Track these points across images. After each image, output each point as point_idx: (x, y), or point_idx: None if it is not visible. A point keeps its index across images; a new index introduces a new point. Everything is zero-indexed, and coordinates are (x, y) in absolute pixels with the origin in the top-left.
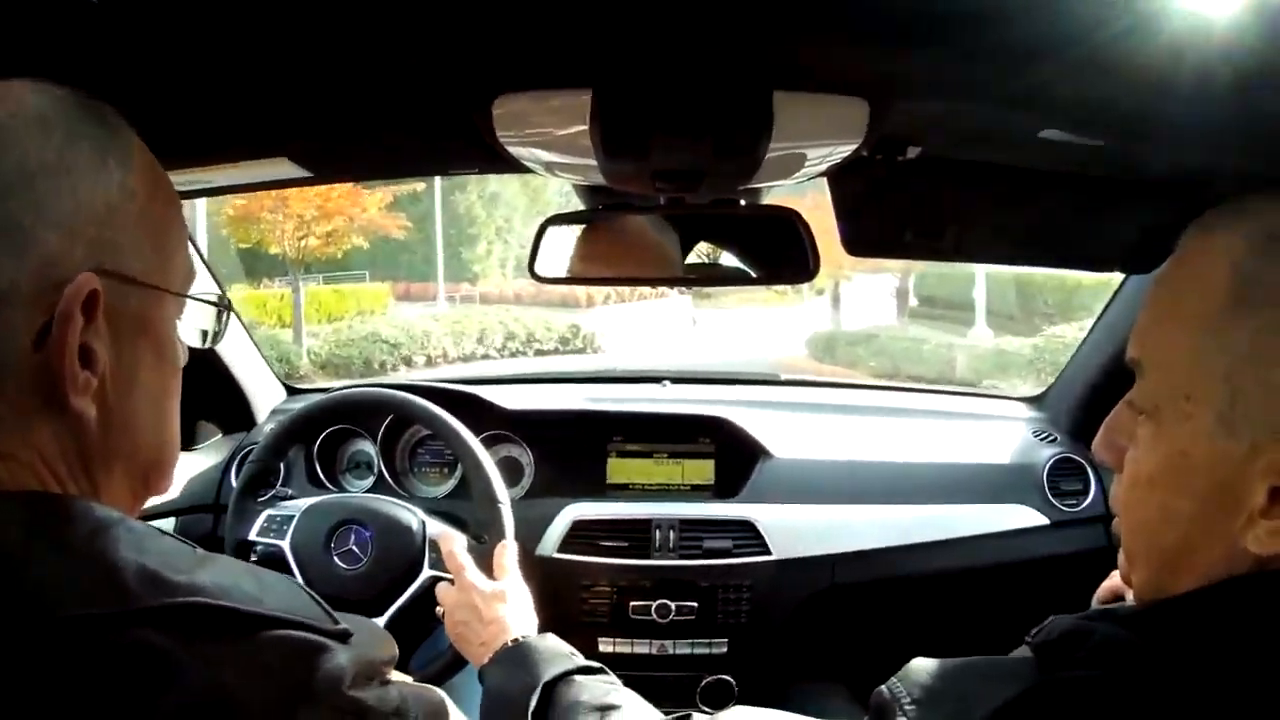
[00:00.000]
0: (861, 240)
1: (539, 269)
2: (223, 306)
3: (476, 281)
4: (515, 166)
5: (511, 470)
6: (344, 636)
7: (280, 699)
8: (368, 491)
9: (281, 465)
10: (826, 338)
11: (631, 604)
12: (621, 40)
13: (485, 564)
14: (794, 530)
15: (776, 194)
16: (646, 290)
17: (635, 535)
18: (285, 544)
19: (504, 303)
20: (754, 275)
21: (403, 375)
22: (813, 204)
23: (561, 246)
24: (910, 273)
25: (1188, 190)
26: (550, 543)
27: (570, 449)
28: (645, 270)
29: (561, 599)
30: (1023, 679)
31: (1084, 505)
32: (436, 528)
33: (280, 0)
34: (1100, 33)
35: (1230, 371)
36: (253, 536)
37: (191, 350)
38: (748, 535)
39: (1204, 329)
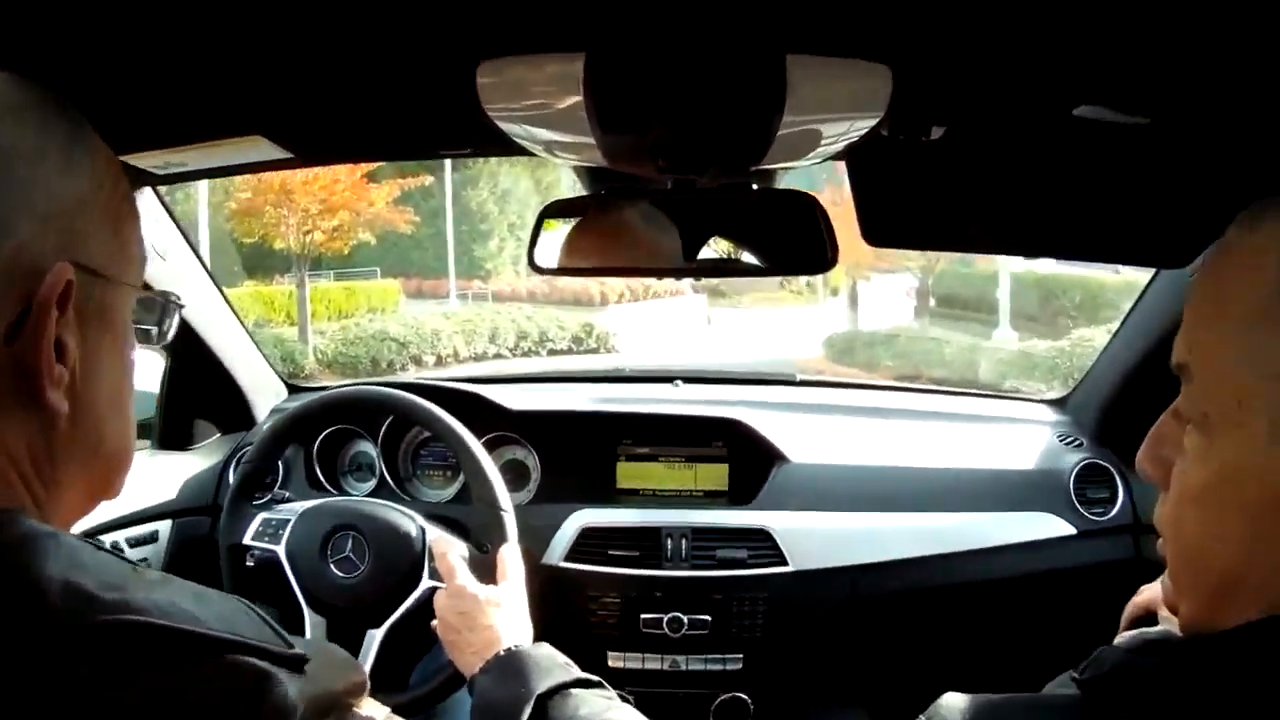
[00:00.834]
0: (882, 229)
1: (538, 259)
2: (174, 304)
3: (489, 279)
4: (509, 146)
5: (517, 473)
6: (297, 663)
7: None
8: (369, 494)
9: (280, 465)
10: (844, 338)
11: (642, 616)
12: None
13: (487, 573)
14: (812, 539)
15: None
16: (661, 288)
17: (646, 544)
18: (280, 549)
19: (517, 300)
20: (765, 266)
21: (412, 374)
22: (830, 200)
23: (562, 236)
24: (930, 272)
25: (1236, 178)
26: (557, 551)
27: (578, 452)
28: (649, 260)
29: (568, 610)
30: None
31: (1112, 514)
32: (436, 534)
33: None
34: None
35: None
36: (247, 540)
37: (188, 347)
38: (763, 544)
39: (1255, 328)
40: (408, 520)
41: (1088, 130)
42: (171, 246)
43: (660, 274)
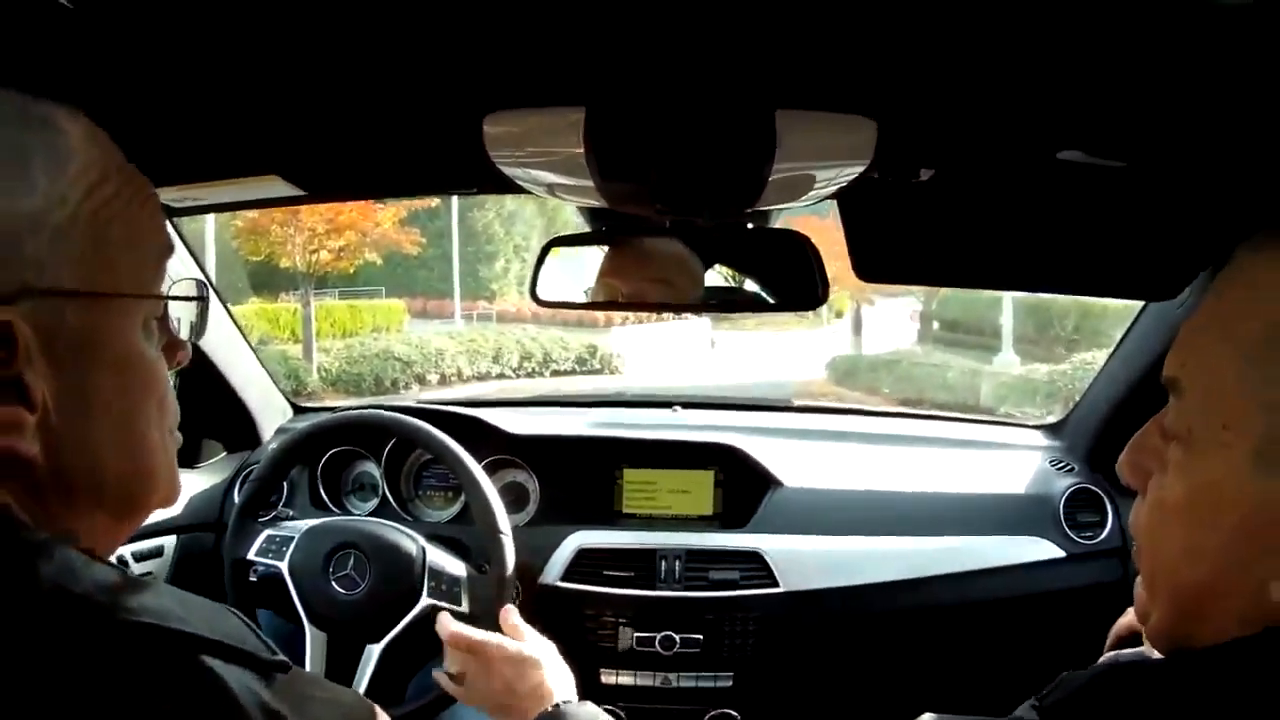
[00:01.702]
0: (873, 265)
1: (541, 292)
2: (198, 299)
3: (494, 300)
4: (514, 187)
5: (516, 495)
6: (275, 668)
7: None
8: (371, 514)
9: (285, 484)
10: (847, 362)
11: (635, 635)
12: (615, 57)
13: (486, 594)
14: (803, 562)
15: (797, 211)
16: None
17: (640, 565)
18: (284, 565)
19: (521, 321)
20: (758, 302)
21: (415, 394)
22: (836, 223)
23: (564, 269)
24: (934, 296)
25: (1217, 217)
26: (554, 571)
27: (576, 475)
28: (647, 296)
29: (563, 628)
30: None
31: (1101, 537)
32: (437, 555)
33: (265, 16)
34: (1120, 46)
35: (1274, 404)
36: (251, 556)
37: (195, 367)
38: (755, 567)
39: (1250, 355)
40: (408, 540)
41: (1072, 172)
42: (183, 271)
43: (659, 309)
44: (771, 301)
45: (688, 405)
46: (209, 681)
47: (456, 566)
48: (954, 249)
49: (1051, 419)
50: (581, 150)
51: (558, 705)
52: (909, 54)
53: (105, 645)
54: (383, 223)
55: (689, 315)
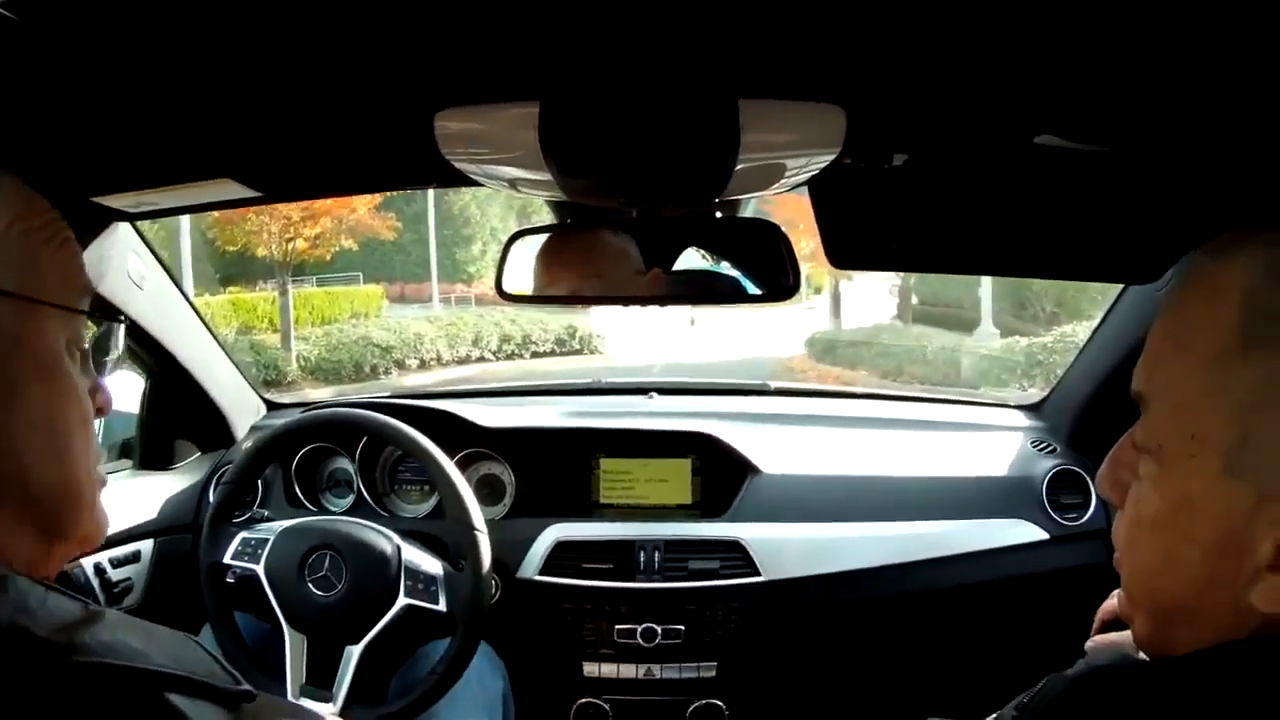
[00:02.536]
0: (845, 252)
1: (507, 285)
2: (114, 321)
3: (471, 283)
4: (473, 182)
5: (492, 488)
6: (240, 699)
7: None
8: (347, 510)
9: (259, 484)
10: (826, 338)
11: (616, 627)
12: (567, 49)
13: (463, 592)
14: (784, 550)
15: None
16: None
17: (619, 557)
18: (260, 568)
19: (499, 304)
20: (729, 293)
21: (395, 379)
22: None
23: (530, 262)
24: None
25: (1197, 199)
26: (532, 565)
27: (552, 467)
28: (614, 288)
29: (543, 622)
30: None
31: (1085, 519)
32: (413, 554)
33: (208, 19)
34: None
35: (1240, 412)
36: (227, 559)
37: (167, 369)
38: (735, 556)
39: (1213, 365)
40: (384, 540)
41: (1049, 156)
42: (149, 275)
43: (626, 302)
44: (743, 293)
45: (663, 392)
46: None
47: (433, 565)
48: (929, 235)
49: (1032, 398)
50: (537, 147)
51: None
52: (877, 39)
53: (67, 690)
54: (358, 209)
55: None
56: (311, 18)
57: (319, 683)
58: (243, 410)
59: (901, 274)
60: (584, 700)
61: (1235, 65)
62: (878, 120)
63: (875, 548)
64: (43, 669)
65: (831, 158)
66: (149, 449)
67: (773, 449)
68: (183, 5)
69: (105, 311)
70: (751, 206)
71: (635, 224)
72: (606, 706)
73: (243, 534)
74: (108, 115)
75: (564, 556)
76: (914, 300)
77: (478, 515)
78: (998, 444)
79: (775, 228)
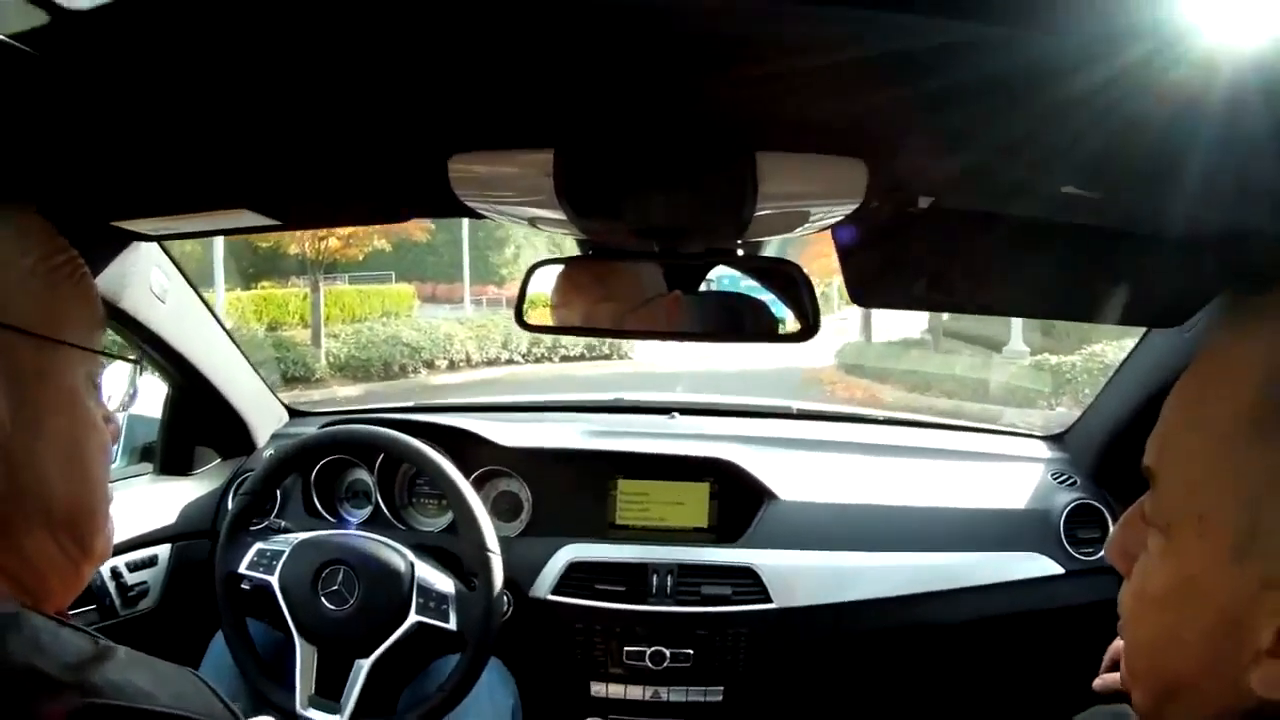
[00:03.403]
0: (868, 290)
1: (527, 316)
2: (131, 361)
3: (503, 285)
4: (492, 217)
5: (510, 506)
6: None
7: None
8: (365, 522)
9: (278, 493)
10: (856, 350)
11: (626, 649)
12: (584, 99)
13: (475, 612)
14: (797, 578)
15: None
16: None
17: (632, 579)
18: (274, 580)
19: None
20: (747, 332)
21: (423, 378)
22: None
23: (550, 291)
24: None
25: (1220, 247)
26: (545, 584)
27: (570, 487)
28: (634, 323)
29: (553, 641)
30: None
31: (1101, 554)
32: (426, 571)
33: (224, 50)
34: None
35: (1251, 498)
36: (242, 569)
37: (189, 378)
38: (748, 582)
39: (1225, 447)
40: (397, 557)
41: (1076, 202)
42: (171, 289)
43: (645, 337)
44: (761, 334)
45: (685, 412)
46: None
47: (445, 583)
48: (952, 276)
49: (1055, 427)
50: (553, 192)
51: None
52: (899, 98)
53: None
54: None
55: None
56: (328, 58)
57: (328, 694)
58: (264, 417)
59: None
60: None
61: (1255, 128)
62: (900, 174)
63: (888, 578)
64: (55, 710)
65: (853, 208)
66: (169, 454)
67: (791, 475)
68: (202, 38)
69: (121, 345)
70: (776, 242)
71: (658, 258)
72: None
73: (259, 545)
74: (128, 144)
75: (577, 577)
76: (944, 316)
77: (491, 536)
78: (1018, 475)
79: (797, 269)
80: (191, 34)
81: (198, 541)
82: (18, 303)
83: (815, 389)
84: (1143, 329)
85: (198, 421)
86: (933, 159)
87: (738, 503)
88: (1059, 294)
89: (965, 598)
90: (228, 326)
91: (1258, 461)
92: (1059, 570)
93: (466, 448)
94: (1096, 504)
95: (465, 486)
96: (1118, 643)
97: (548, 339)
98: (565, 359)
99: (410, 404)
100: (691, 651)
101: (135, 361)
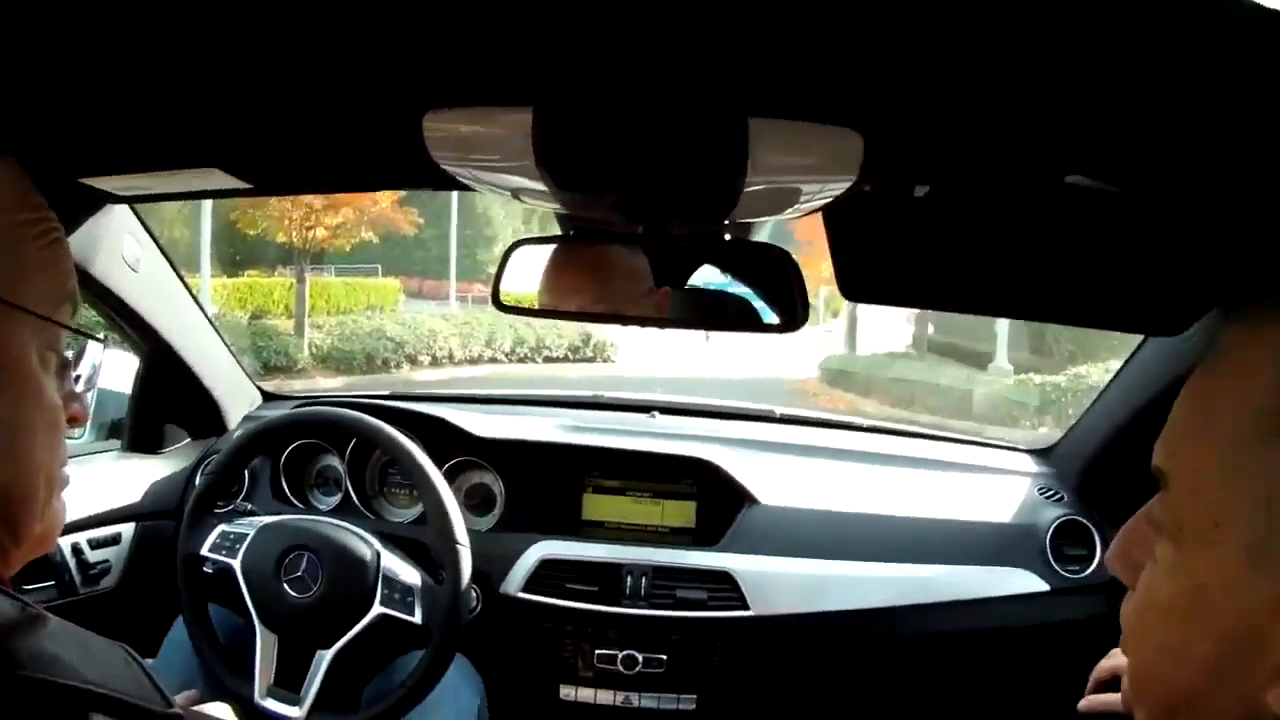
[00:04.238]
0: (860, 284)
1: (504, 298)
2: (96, 339)
3: (490, 283)
4: (471, 186)
5: (482, 499)
6: None
7: None
8: (333, 510)
9: (247, 476)
10: (840, 362)
11: (597, 652)
12: (564, 53)
13: (441, 605)
14: (775, 584)
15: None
16: None
17: (605, 579)
18: (236, 563)
19: None
20: (731, 320)
21: (406, 374)
22: None
23: (530, 273)
24: None
25: (1230, 252)
26: (515, 581)
27: (545, 481)
28: (619, 306)
29: (524, 641)
30: None
31: (1088, 572)
32: (392, 561)
33: (193, 8)
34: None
35: (1268, 502)
36: (204, 551)
37: (160, 353)
38: (725, 587)
39: (1241, 449)
40: (363, 545)
41: (1078, 196)
42: (144, 258)
43: (629, 322)
44: (753, 320)
45: (666, 411)
46: None
47: (411, 575)
48: (947, 272)
49: (1041, 442)
50: (532, 156)
51: None
52: (900, 63)
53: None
54: (381, 201)
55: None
56: (300, 8)
57: (288, 685)
58: (237, 398)
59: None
60: None
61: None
62: (899, 149)
63: (869, 589)
64: None
65: (847, 185)
66: (138, 431)
67: (772, 479)
68: None
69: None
70: (767, 230)
71: (643, 239)
72: None
73: (222, 527)
74: (95, 97)
75: (549, 575)
76: (930, 330)
77: (460, 529)
78: (1003, 488)
79: (786, 255)
80: None
81: (163, 522)
82: None
83: (798, 400)
84: (1132, 348)
85: (168, 399)
86: (930, 135)
87: (717, 505)
88: (1056, 296)
89: (948, 612)
90: (211, 313)
91: (1275, 464)
92: (1044, 587)
93: (440, 437)
94: (1084, 521)
95: (436, 475)
96: (1104, 662)
97: (531, 339)
98: (549, 360)
99: (385, 391)
100: (665, 657)
101: (101, 339)
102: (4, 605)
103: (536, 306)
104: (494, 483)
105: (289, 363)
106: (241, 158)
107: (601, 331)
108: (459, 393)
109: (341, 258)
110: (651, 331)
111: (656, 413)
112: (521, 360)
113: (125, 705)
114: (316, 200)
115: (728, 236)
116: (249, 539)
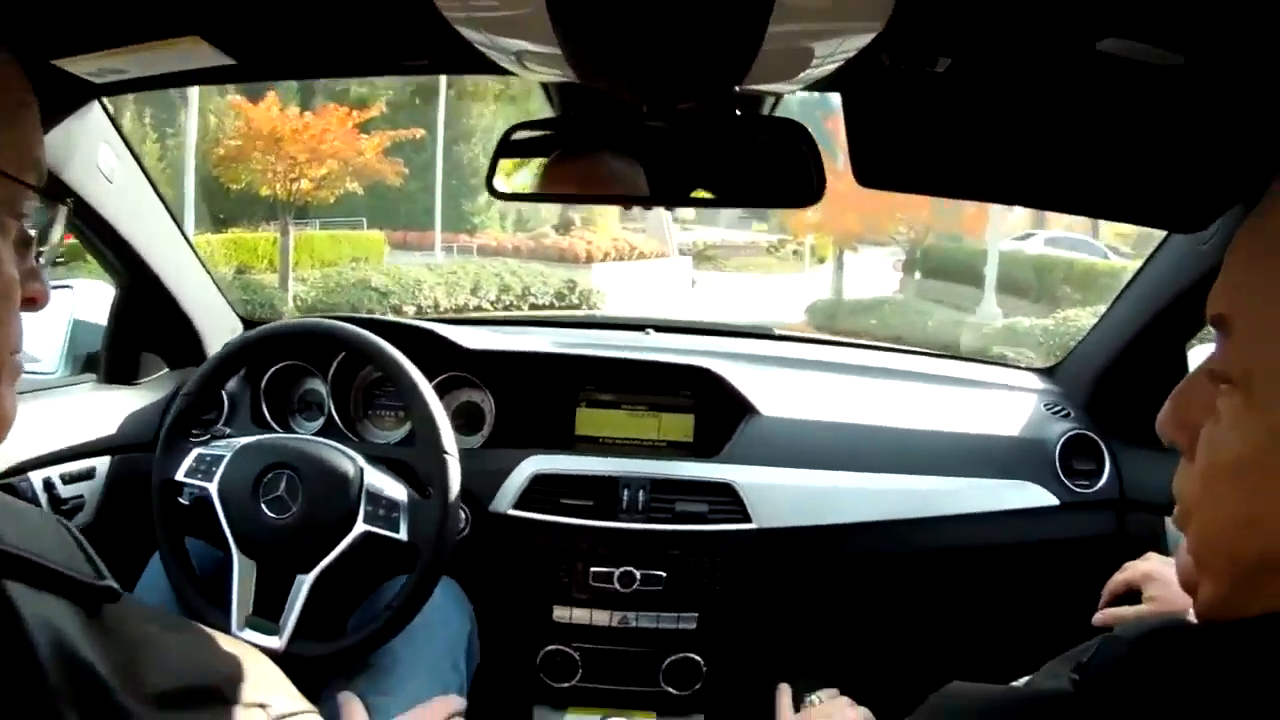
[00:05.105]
0: (876, 168)
1: (498, 183)
2: (60, 202)
3: (475, 233)
4: (474, 60)
5: (471, 416)
6: (109, 596)
7: None
8: (316, 434)
9: (225, 401)
10: (828, 306)
11: (593, 570)
12: None
13: (428, 521)
14: (779, 497)
15: None
16: (646, 249)
17: (601, 494)
18: (213, 486)
19: (502, 255)
20: (746, 195)
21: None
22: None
23: (526, 165)
24: (919, 245)
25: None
26: (506, 498)
27: (536, 395)
28: (619, 188)
29: (513, 560)
30: None
31: (1097, 487)
32: (376, 477)
33: None
34: None
35: None
36: (179, 477)
37: (138, 277)
38: (726, 500)
39: None
40: (346, 460)
41: (1111, 68)
42: (120, 169)
43: (629, 202)
44: (760, 196)
45: (661, 329)
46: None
47: (397, 490)
48: (968, 155)
49: (1045, 365)
50: (543, 6)
51: None
52: None
53: None
54: (365, 152)
55: (675, 252)
56: None
57: (268, 614)
58: (217, 326)
59: (907, 248)
60: (552, 648)
61: None
62: (924, 8)
63: (875, 501)
64: None
65: (869, 38)
66: (115, 362)
67: (774, 391)
68: None
69: (50, 191)
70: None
71: (644, 134)
72: (576, 655)
73: (198, 450)
74: None
75: (542, 490)
76: (918, 275)
77: (450, 439)
78: (1009, 403)
79: (801, 126)
80: None
81: (140, 455)
82: None
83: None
84: (1125, 280)
85: (146, 327)
86: None
87: (716, 416)
88: (1079, 183)
89: (955, 526)
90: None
91: None
92: (1054, 501)
93: (428, 351)
94: (1092, 435)
95: (424, 384)
96: (1118, 575)
97: (517, 286)
98: (535, 307)
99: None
100: (664, 574)
101: (65, 203)
102: None
103: (533, 192)
104: (484, 400)
105: (273, 315)
106: (225, 20)
107: (588, 278)
108: (448, 316)
109: (326, 210)
110: (638, 279)
111: (651, 330)
112: (507, 309)
113: (49, 572)
114: (301, 153)
115: (738, 113)
116: (226, 460)
